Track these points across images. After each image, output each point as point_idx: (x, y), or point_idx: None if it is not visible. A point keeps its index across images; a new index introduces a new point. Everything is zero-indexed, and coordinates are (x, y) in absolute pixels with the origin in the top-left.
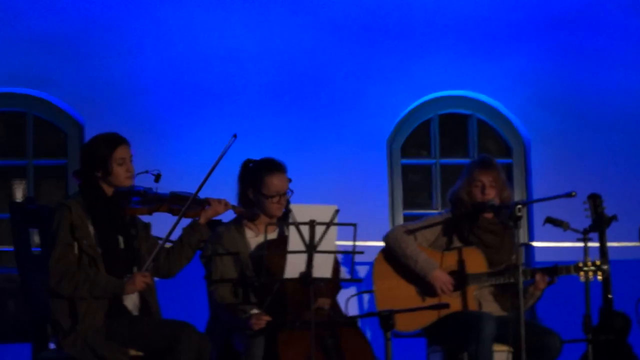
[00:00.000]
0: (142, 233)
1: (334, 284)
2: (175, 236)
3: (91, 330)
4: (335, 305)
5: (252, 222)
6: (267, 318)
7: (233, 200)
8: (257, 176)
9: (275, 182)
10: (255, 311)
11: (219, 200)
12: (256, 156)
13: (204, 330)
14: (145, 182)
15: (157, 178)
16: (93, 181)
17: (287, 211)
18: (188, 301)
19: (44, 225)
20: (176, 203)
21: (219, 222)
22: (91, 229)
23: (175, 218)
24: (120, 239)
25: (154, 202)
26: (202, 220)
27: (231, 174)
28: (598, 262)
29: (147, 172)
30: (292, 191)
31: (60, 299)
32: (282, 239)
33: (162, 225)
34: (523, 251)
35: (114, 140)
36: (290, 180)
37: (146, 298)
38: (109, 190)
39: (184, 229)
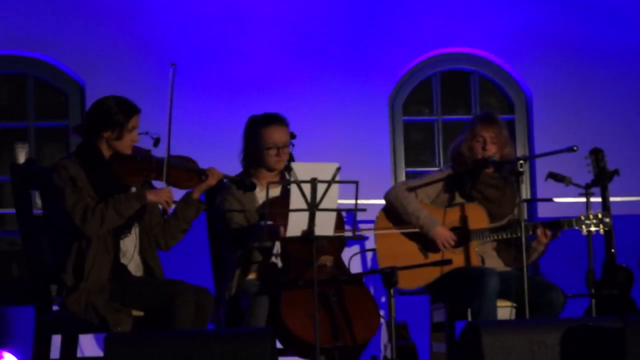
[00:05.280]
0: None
1: (338, 241)
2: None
3: (95, 289)
4: (339, 263)
5: (257, 178)
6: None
7: (236, 158)
8: (255, 129)
9: (272, 134)
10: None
11: (212, 173)
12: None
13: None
14: (143, 144)
15: (156, 142)
16: (95, 140)
17: (289, 168)
18: (191, 264)
19: (45, 187)
20: (173, 174)
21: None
22: (89, 185)
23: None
24: None
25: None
26: (196, 194)
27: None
28: (600, 215)
29: (147, 133)
30: (293, 145)
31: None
32: (285, 197)
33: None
34: (525, 206)
35: (132, 109)
36: (294, 137)
37: (149, 263)
38: (107, 153)
39: (178, 204)
